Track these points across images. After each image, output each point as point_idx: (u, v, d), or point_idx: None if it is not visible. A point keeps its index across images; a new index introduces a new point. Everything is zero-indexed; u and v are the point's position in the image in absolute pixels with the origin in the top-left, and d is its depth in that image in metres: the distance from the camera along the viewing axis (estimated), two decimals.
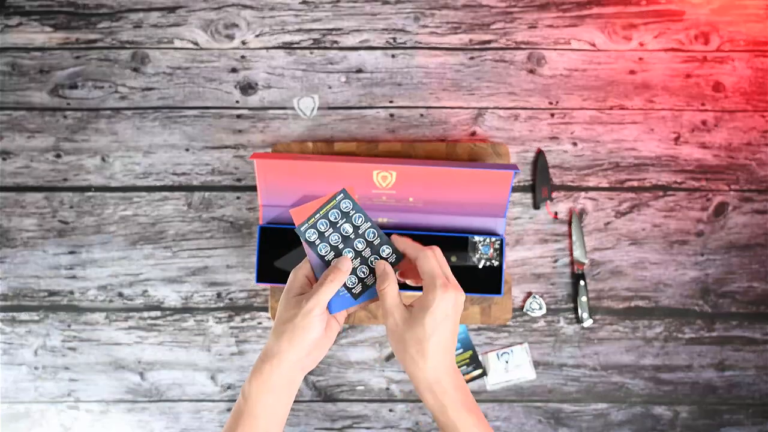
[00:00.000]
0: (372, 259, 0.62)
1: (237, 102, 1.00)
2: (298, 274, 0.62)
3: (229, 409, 1.00)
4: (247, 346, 1.00)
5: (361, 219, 0.62)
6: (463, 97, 1.00)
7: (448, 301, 0.55)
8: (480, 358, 0.98)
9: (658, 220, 0.99)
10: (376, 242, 0.62)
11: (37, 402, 1.00)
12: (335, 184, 0.91)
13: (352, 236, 0.62)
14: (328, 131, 1.00)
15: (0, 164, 1.00)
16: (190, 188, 1.00)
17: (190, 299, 0.99)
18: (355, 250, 0.62)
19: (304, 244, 0.62)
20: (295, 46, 1.00)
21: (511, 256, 0.99)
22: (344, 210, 0.63)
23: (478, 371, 0.98)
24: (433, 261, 0.57)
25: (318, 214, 0.62)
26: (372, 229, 0.62)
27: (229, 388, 1.00)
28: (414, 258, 0.58)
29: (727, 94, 0.99)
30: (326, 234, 0.62)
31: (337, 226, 0.62)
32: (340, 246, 0.62)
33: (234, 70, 1.00)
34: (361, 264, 0.62)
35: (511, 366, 0.99)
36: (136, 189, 1.00)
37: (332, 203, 0.62)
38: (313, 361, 0.62)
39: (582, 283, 0.98)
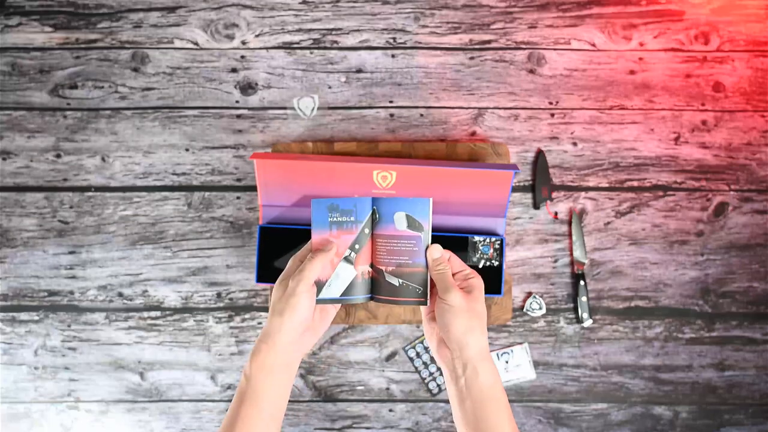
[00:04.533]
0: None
1: (237, 102, 1.00)
2: (296, 259, 0.66)
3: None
4: (247, 346, 1.00)
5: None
6: (463, 97, 1.00)
7: (482, 283, 0.66)
8: None
9: (658, 220, 0.99)
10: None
11: (37, 402, 1.00)
12: (335, 184, 0.91)
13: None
14: (328, 131, 1.00)
15: (0, 164, 1.00)
16: (190, 188, 1.00)
17: (190, 299, 0.99)
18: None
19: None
20: (295, 46, 1.00)
21: (511, 256, 0.99)
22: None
23: None
24: (458, 258, 0.67)
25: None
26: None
27: (229, 388, 1.00)
28: (446, 257, 0.66)
29: (727, 94, 0.99)
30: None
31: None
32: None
33: (234, 70, 1.00)
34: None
35: (511, 366, 0.99)
36: (136, 189, 1.00)
37: None
38: (307, 343, 0.66)
39: (582, 283, 0.98)
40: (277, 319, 0.63)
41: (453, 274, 0.66)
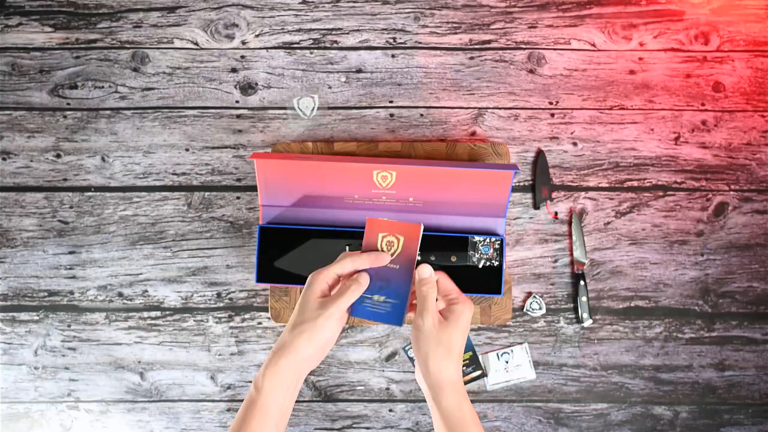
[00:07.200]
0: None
1: (237, 102, 1.00)
2: (322, 278, 0.64)
3: (229, 409, 1.00)
4: (247, 346, 1.00)
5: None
6: (463, 97, 1.00)
7: (471, 311, 0.64)
8: (480, 358, 0.98)
9: (658, 220, 0.99)
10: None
11: (37, 402, 1.00)
12: (335, 184, 0.92)
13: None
14: (328, 131, 1.00)
15: (0, 164, 1.00)
16: (190, 188, 1.00)
17: (190, 299, 0.99)
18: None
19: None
20: (295, 46, 1.00)
21: (511, 256, 0.99)
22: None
23: (478, 372, 0.98)
24: (451, 281, 0.66)
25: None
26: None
27: (229, 388, 1.00)
28: (434, 280, 0.66)
29: (727, 94, 0.99)
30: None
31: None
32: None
33: (234, 70, 1.00)
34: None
35: (511, 366, 0.99)
36: (136, 189, 1.00)
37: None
38: (319, 359, 0.66)
39: (582, 283, 0.98)
40: (297, 337, 0.62)
41: (441, 296, 0.66)
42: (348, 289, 0.64)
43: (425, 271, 0.65)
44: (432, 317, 0.63)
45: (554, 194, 0.99)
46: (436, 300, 0.66)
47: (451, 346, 0.62)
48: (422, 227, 0.67)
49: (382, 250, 0.67)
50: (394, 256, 0.67)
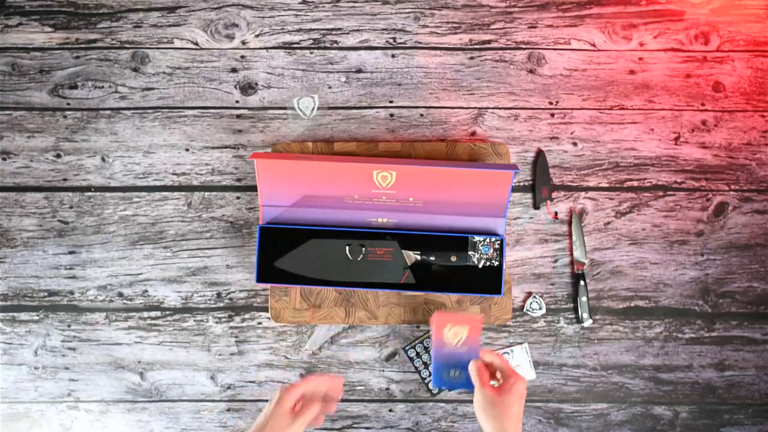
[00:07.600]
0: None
1: (237, 102, 1.00)
2: (292, 396, 0.75)
3: (229, 409, 1.00)
4: (247, 346, 1.00)
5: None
6: (463, 97, 1.00)
7: (523, 383, 0.78)
8: None
9: (658, 220, 0.99)
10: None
11: (37, 402, 1.00)
12: (335, 184, 0.92)
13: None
14: (328, 131, 1.00)
15: (0, 164, 1.00)
16: (189, 188, 1.00)
17: (190, 299, 0.99)
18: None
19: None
20: (295, 46, 1.00)
21: (511, 256, 0.99)
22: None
23: None
24: (506, 362, 0.81)
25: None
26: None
27: (228, 388, 1.00)
28: (491, 360, 0.81)
29: (727, 94, 0.99)
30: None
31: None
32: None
33: (234, 70, 1.00)
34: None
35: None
36: (136, 189, 1.00)
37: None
38: None
39: (582, 283, 0.98)
40: None
41: (501, 374, 0.79)
42: (310, 409, 0.75)
43: (473, 368, 0.81)
44: (486, 390, 0.77)
45: (554, 194, 0.99)
46: (497, 376, 0.81)
47: (509, 410, 0.76)
48: (483, 320, 0.87)
49: (450, 340, 0.85)
50: (460, 342, 0.85)
